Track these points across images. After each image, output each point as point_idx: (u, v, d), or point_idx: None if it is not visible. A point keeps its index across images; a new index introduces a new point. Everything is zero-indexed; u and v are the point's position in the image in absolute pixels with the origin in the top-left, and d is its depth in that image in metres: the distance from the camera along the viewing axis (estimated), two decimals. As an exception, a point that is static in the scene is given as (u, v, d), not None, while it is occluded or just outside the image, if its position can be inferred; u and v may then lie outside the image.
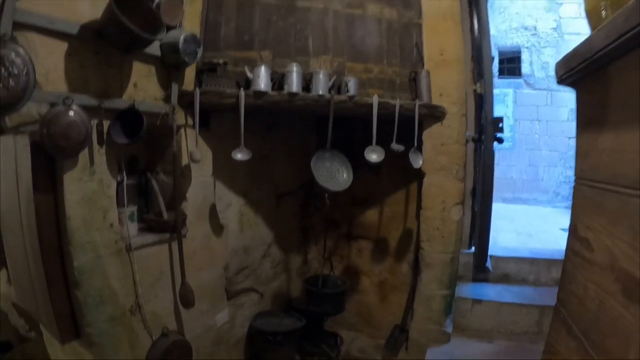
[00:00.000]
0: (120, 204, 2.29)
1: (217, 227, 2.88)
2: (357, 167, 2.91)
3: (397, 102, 2.83)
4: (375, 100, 2.76)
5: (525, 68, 8.25)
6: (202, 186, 2.74)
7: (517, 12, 8.31)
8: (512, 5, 8.29)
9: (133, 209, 2.38)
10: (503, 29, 8.29)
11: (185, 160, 2.61)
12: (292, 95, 2.61)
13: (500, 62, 8.23)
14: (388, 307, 3.58)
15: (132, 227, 2.36)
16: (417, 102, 2.91)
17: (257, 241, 3.29)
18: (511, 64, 8.32)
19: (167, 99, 2.47)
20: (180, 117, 2.55)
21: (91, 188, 2.09)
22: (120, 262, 2.23)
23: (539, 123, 8.20)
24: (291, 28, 2.86)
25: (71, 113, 1.92)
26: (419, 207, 3.27)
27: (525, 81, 8.24)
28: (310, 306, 3.23)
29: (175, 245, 2.51)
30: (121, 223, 2.30)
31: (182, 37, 2.37)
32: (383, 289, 3.64)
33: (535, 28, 8.19)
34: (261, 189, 3.32)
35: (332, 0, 2.96)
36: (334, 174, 2.85)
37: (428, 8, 3.16)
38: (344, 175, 2.88)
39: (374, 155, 2.83)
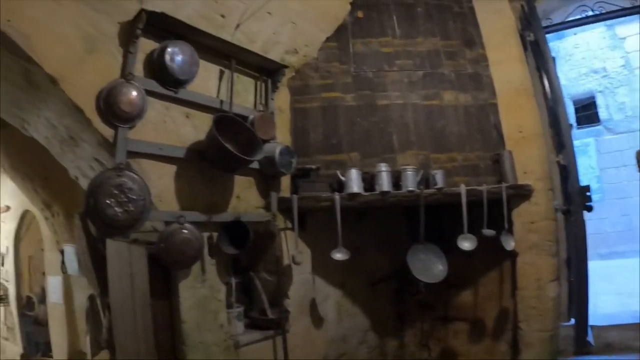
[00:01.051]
0: (228, 305, 2.52)
1: (317, 320, 3.00)
2: (449, 250, 2.94)
3: (484, 189, 2.86)
4: (463, 190, 2.83)
5: (602, 113, 7.88)
6: (303, 283, 2.91)
7: (584, 57, 8.10)
8: (577, 51, 8.14)
9: (240, 309, 2.58)
10: (572, 76, 8.08)
11: (286, 260, 2.80)
12: (384, 194, 2.75)
13: (576, 110, 7.94)
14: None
15: (239, 326, 2.58)
16: (504, 185, 2.94)
17: (354, 329, 3.35)
18: (587, 111, 7.95)
19: (267, 206, 2.73)
20: (279, 222, 2.77)
21: (203, 294, 2.35)
22: (228, 357, 2.41)
23: (625, 168, 7.73)
24: (374, 127, 3.06)
25: (185, 231, 2.22)
26: (514, 286, 3.19)
27: (605, 127, 7.81)
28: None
29: (279, 340, 2.65)
30: (230, 322, 2.49)
31: (277, 151, 2.64)
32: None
33: (604, 69, 7.79)
34: (356, 278, 3.42)
35: (410, 94, 3.15)
36: (428, 266, 2.90)
37: (500, 86, 3.23)
38: (439, 267, 2.92)
39: (466, 244, 2.86)
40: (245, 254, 2.85)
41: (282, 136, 2.91)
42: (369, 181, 2.84)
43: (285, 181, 2.88)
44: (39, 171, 3.71)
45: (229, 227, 2.45)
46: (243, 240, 2.44)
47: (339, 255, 2.74)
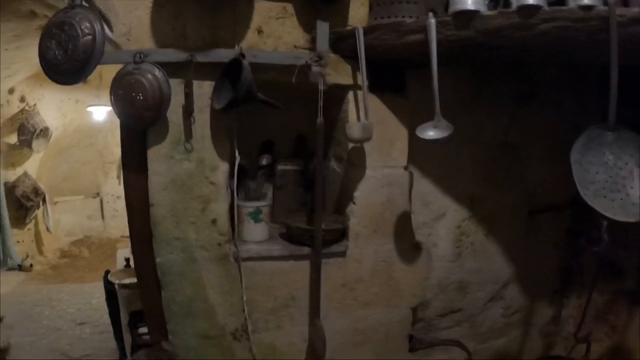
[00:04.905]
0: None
1: (409, 248, 1.86)
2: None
3: None
4: None
5: None
6: (386, 182, 1.78)
7: None
8: None
9: (261, 205, 1.72)
10: None
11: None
12: (527, 11, 1.24)
13: None
14: None
15: (258, 230, 1.72)
16: None
17: (483, 276, 2.02)
18: None
19: (312, 44, 1.63)
20: (344, 74, 1.67)
21: (186, 170, 1.59)
22: (224, 272, 1.67)
23: None
24: None
25: (137, 72, 1.44)
26: None
27: None
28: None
29: (324, 265, 1.71)
30: (241, 222, 1.70)
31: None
32: None
33: None
34: (502, 197, 2.00)
35: None
36: (620, 182, 1.31)
37: None
38: None
39: None
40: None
41: None
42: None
43: (358, 11, 1.68)
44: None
45: (236, 76, 1.49)
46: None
47: (431, 133, 1.48)
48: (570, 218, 2.16)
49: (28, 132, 4.80)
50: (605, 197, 1.35)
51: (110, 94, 1.49)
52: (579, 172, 1.36)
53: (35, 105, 4.87)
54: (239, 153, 1.72)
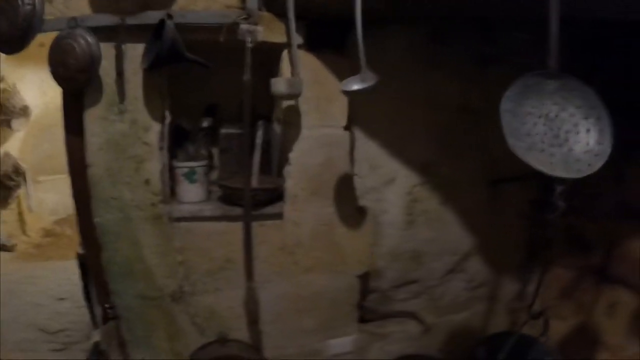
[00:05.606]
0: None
1: (353, 212, 1.82)
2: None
3: None
4: None
5: None
6: (324, 142, 1.74)
7: None
8: None
9: (195, 165, 1.73)
10: None
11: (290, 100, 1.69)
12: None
13: None
14: None
15: (193, 191, 1.74)
16: None
17: (439, 246, 1.94)
18: None
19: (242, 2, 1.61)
20: (277, 32, 1.64)
21: (119, 130, 1.61)
22: (159, 232, 1.69)
23: None
24: None
25: (69, 37, 1.50)
26: None
27: None
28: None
29: (260, 227, 1.71)
30: (176, 182, 1.72)
31: None
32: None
33: None
34: (460, 164, 1.91)
35: None
36: (562, 136, 1.20)
37: None
38: (587, 140, 1.17)
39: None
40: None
41: None
42: None
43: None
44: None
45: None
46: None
47: (354, 86, 1.43)
48: (536, 189, 2.05)
49: (9, 112, 4.88)
50: (543, 151, 1.23)
51: (48, 59, 1.53)
52: (511, 122, 1.25)
53: (15, 84, 4.94)
54: (182, 115, 1.73)
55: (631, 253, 1.82)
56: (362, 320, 1.96)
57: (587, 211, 1.93)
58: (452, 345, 2.06)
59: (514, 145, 1.24)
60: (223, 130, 1.89)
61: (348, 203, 1.80)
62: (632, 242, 1.82)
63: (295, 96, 1.63)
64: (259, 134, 1.83)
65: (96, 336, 1.90)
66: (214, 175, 1.95)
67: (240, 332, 1.80)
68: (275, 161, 1.85)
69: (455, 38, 1.85)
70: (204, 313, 1.76)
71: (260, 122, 1.85)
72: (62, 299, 3.31)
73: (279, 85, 1.60)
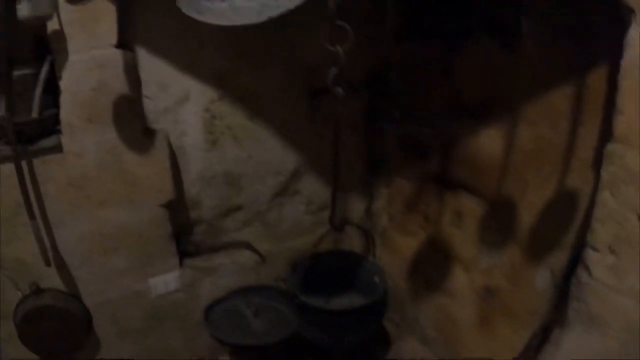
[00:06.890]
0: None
1: (139, 136, 1.66)
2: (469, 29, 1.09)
3: None
4: None
5: None
6: (95, 64, 1.58)
7: None
8: None
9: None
10: None
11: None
12: None
13: None
14: (490, 341, 1.57)
15: None
16: None
17: (257, 167, 1.76)
18: None
19: None
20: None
21: None
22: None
23: None
24: None
25: None
26: (604, 136, 0.84)
27: None
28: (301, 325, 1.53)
29: (42, 164, 1.58)
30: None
31: None
32: (489, 305, 1.55)
33: None
34: (264, 73, 1.70)
35: None
36: None
37: None
38: None
39: None
40: None
41: None
42: None
43: None
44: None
45: None
46: None
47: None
48: (372, 99, 1.83)
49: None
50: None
51: None
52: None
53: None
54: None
55: (467, 154, 1.59)
56: (189, 254, 1.83)
57: (421, 115, 1.72)
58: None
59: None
60: (17, 73, 1.72)
61: (132, 127, 1.64)
62: (467, 142, 1.58)
63: (44, 19, 1.45)
64: (44, 70, 1.67)
65: None
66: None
67: (54, 279, 1.70)
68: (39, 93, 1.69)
69: None
70: (14, 265, 1.66)
71: (48, 57, 1.70)
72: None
73: (22, 10, 1.43)
